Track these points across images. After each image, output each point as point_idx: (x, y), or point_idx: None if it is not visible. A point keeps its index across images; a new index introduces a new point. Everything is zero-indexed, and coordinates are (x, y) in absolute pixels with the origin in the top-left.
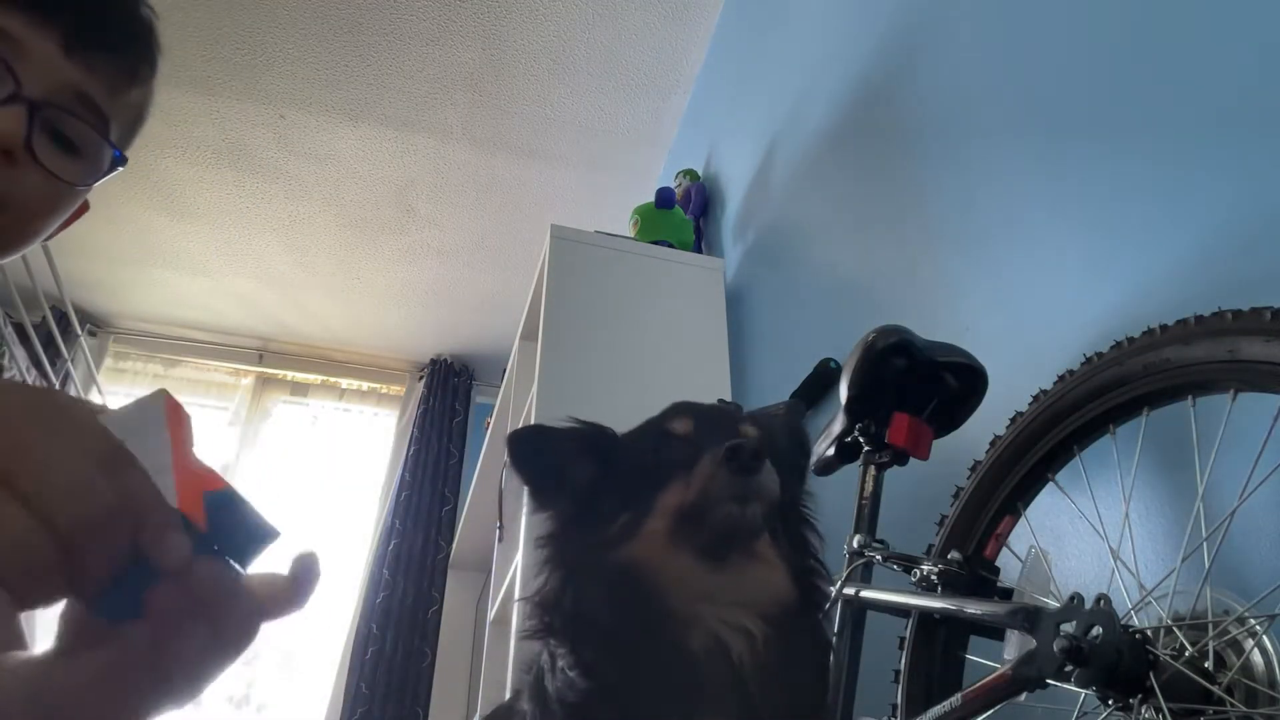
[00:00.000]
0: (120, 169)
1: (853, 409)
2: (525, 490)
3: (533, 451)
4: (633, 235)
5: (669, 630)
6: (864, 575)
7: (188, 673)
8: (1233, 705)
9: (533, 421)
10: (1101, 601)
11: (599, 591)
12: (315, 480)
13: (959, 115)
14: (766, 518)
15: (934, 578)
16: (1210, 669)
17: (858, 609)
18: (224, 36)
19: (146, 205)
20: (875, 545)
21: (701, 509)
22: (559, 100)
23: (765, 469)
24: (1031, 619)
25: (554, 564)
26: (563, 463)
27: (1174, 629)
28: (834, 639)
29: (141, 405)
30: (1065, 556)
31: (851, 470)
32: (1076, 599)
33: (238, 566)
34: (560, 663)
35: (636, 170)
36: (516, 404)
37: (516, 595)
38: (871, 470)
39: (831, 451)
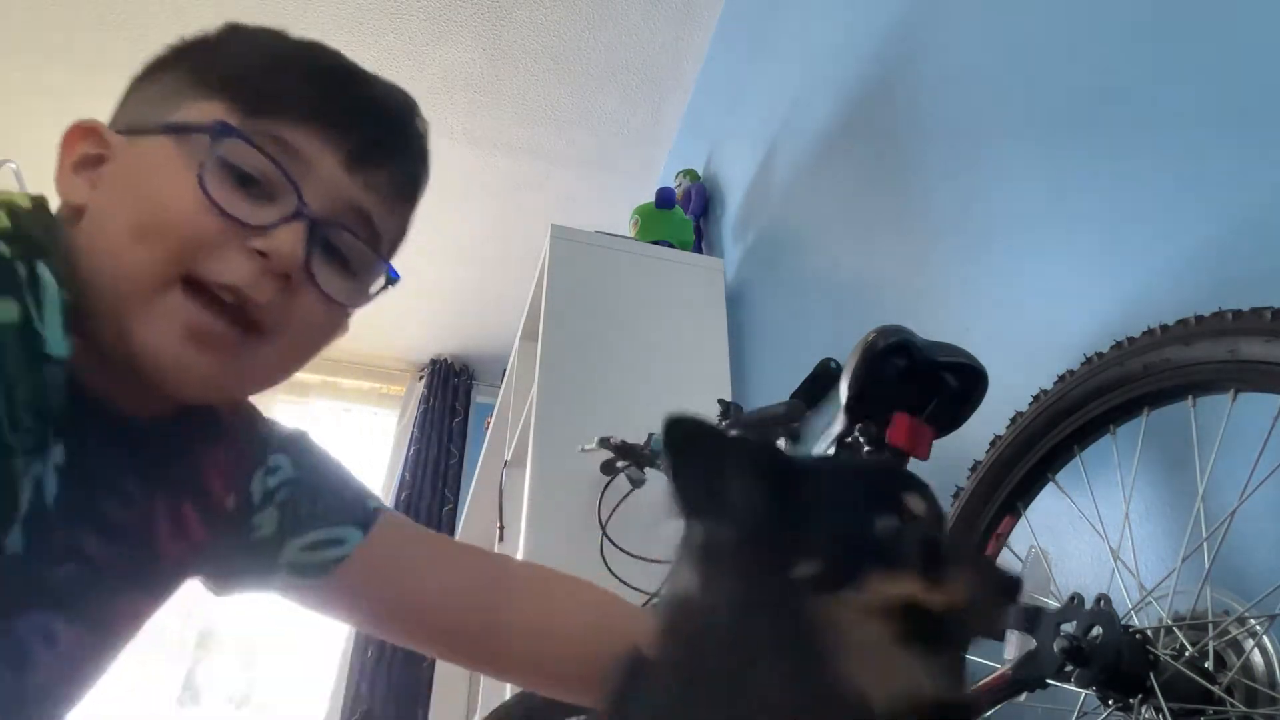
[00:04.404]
0: (391, 286)
1: (853, 409)
2: (672, 487)
3: (697, 448)
4: (633, 235)
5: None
6: None
7: None
8: (1233, 705)
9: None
10: (1101, 601)
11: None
12: None
13: (959, 116)
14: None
15: None
16: (1210, 669)
17: None
18: None
19: None
20: None
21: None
22: (559, 100)
23: None
24: (1031, 619)
25: (714, 576)
26: (728, 473)
27: (1174, 629)
28: None
29: None
30: (1065, 556)
31: None
32: (1076, 599)
33: None
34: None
35: (636, 170)
36: (516, 404)
37: None
38: None
39: (831, 452)
